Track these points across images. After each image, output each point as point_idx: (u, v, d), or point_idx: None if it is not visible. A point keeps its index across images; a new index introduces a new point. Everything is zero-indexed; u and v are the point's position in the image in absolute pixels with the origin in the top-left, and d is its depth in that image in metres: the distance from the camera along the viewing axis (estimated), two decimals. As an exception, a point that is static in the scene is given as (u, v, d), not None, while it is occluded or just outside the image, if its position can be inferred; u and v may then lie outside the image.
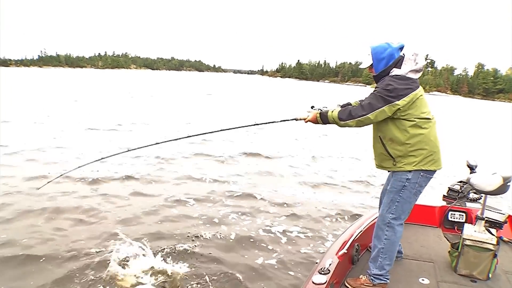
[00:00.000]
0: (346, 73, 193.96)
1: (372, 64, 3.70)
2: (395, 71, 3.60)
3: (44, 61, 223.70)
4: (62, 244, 6.17)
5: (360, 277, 3.81)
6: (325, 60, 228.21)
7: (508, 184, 3.92)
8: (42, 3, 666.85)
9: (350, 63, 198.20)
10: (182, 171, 10.87)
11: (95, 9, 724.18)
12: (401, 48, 3.69)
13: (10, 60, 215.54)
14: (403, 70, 3.58)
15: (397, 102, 3.46)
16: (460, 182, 5.57)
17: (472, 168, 4.90)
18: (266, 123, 4.43)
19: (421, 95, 3.59)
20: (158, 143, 4.84)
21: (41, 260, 5.62)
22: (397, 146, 3.60)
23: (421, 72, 3.66)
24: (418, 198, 3.76)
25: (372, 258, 3.83)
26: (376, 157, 3.89)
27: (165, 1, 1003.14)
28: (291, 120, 4.10)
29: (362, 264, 4.18)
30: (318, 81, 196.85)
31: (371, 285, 3.72)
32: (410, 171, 3.60)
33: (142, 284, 5.08)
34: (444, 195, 5.49)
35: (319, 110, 3.89)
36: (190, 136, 4.80)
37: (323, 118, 3.80)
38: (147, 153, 12.24)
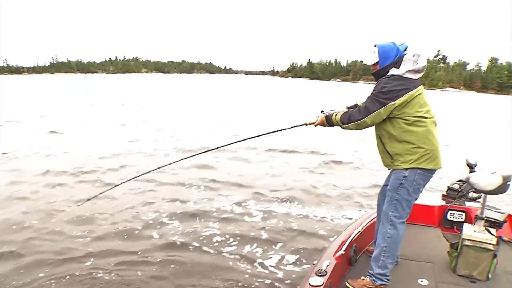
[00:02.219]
0: (357, 71, 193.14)
1: (377, 62, 3.75)
2: (392, 71, 3.64)
3: (56, 67, 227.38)
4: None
5: (361, 278, 3.81)
6: (336, 59, 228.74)
7: (508, 183, 3.87)
8: (53, 11, 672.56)
9: (361, 61, 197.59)
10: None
11: (104, 14, 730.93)
12: (405, 49, 3.75)
13: (22, 67, 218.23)
14: (400, 70, 3.62)
15: (392, 103, 3.54)
16: (460, 181, 5.53)
17: (471, 167, 4.87)
18: (278, 130, 4.62)
19: (419, 94, 3.63)
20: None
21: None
22: (394, 144, 3.70)
23: (422, 73, 3.70)
24: (417, 196, 3.78)
25: (374, 257, 3.83)
26: (379, 155, 3.97)
27: (174, 5, 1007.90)
28: (301, 125, 4.29)
29: (360, 266, 4.15)
30: (329, 80, 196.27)
31: (373, 286, 3.72)
32: (406, 169, 3.66)
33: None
34: (443, 194, 5.48)
35: (326, 114, 4.07)
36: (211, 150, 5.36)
37: (328, 122, 4.02)
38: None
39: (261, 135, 4.77)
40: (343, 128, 3.89)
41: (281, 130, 4.58)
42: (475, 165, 4.88)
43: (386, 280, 3.74)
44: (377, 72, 3.77)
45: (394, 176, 3.76)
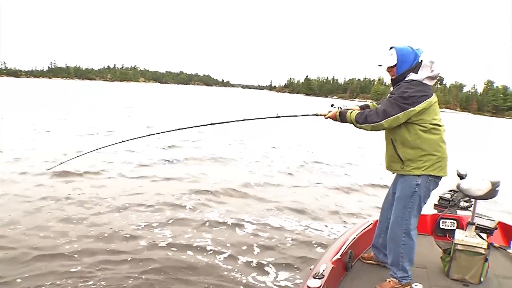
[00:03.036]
0: (354, 89, 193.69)
1: (395, 64, 3.76)
2: (411, 76, 3.67)
3: (54, 72, 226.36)
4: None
5: (387, 280, 3.89)
6: (333, 76, 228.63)
7: (497, 188, 4.02)
8: (53, 15, 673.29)
9: (358, 79, 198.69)
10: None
11: (104, 22, 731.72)
12: (420, 54, 3.80)
13: (20, 71, 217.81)
14: (419, 76, 3.65)
15: (412, 108, 3.56)
16: (451, 191, 5.62)
17: (462, 177, 4.96)
18: (288, 116, 4.57)
19: (435, 102, 3.70)
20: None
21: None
22: (407, 150, 3.71)
23: (435, 80, 3.74)
24: (427, 202, 3.88)
25: (392, 262, 3.92)
26: (386, 159, 3.99)
27: (174, 16, 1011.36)
28: (312, 115, 4.29)
29: (356, 271, 4.23)
30: (326, 97, 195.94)
31: (400, 285, 3.83)
32: (419, 176, 3.69)
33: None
34: (435, 203, 5.54)
35: (339, 109, 4.05)
36: (212, 124, 4.88)
37: (342, 117, 3.95)
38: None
39: (270, 118, 4.71)
40: (357, 127, 3.86)
41: (291, 116, 4.56)
42: (466, 175, 4.98)
43: (410, 279, 3.88)
44: (397, 78, 3.77)
45: (405, 183, 3.79)
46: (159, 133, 5.15)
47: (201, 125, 4.97)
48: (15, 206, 7.86)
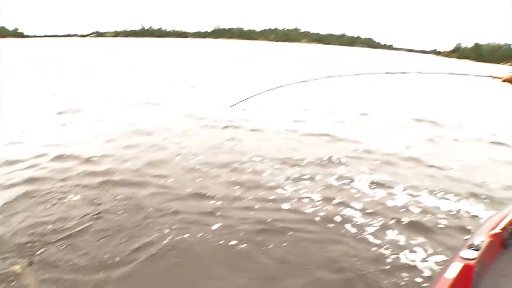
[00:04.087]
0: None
1: None
2: None
3: (218, 33, 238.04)
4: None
5: None
6: (506, 42, 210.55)
7: None
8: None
9: None
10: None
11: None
12: None
13: (187, 32, 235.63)
14: None
15: None
16: None
17: None
18: (461, 74, 4.65)
19: None
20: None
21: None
22: None
23: None
24: None
25: None
26: None
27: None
28: (486, 76, 4.13)
29: None
30: (499, 63, 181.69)
31: None
32: None
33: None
34: None
35: None
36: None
37: None
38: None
39: (442, 73, 4.75)
40: None
41: (464, 74, 4.57)
42: None
43: None
44: None
45: None
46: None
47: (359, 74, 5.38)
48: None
